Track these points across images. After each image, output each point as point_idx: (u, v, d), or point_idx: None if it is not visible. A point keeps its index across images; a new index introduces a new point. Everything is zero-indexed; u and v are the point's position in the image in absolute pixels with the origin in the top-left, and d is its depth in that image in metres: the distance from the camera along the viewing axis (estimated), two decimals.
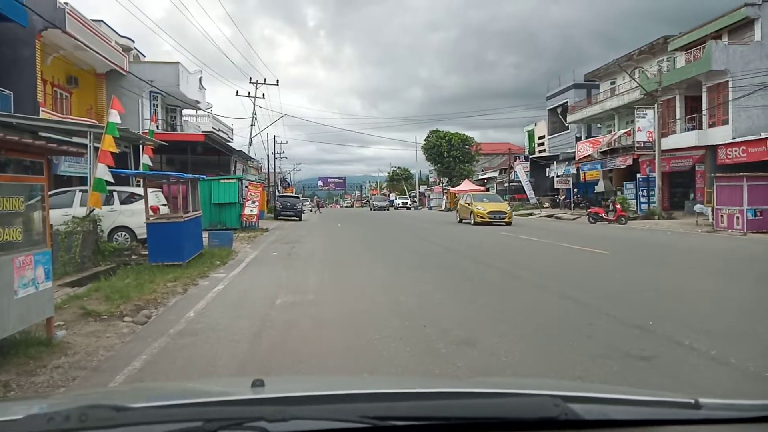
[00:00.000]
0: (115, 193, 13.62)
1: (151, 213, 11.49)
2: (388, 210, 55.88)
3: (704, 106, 27.69)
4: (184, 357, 4.87)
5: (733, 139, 25.64)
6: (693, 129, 28.28)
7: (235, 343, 5.20)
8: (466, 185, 55.22)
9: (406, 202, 70.86)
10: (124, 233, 13.59)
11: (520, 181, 47.58)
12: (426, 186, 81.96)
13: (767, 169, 21.73)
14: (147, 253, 10.77)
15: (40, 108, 18.93)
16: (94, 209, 10.81)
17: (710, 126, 27.43)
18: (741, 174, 20.15)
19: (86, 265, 10.14)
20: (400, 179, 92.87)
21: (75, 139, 12.85)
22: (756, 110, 25.33)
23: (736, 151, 25.46)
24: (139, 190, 13.29)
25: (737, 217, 19.30)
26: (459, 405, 1.38)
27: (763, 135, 24.17)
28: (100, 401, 1.37)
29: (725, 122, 26.37)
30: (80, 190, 13.62)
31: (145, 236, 11.27)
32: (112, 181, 11.12)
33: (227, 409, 1.35)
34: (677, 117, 29.82)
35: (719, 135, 26.51)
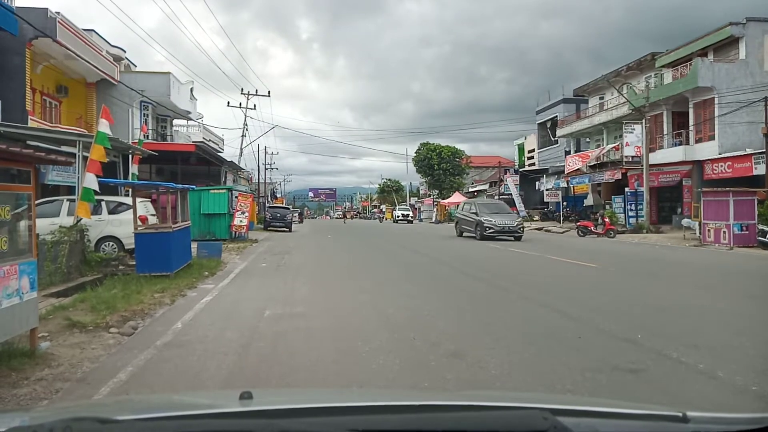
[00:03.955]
0: (103, 203, 13.52)
1: (139, 223, 11.41)
2: (518, 238, 22.38)
3: (691, 121, 28.10)
4: (170, 369, 4.81)
5: (720, 154, 26.01)
6: (680, 144, 28.66)
7: (223, 355, 5.15)
8: (456, 198, 55.50)
9: (407, 214, 57.29)
10: (111, 243, 13.47)
11: (510, 194, 47.81)
12: (416, 198, 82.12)
13: (752, 184, 22.07)
14: (135, 263, 10.67)
15: (29, 117, 18.81)
16: (81, 219, 10.72)
17: (697, 141, 27.81)
18: (727, 189, 20.41)
19: (72, 275, 10.02)
20: (390, 191, 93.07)
21: (64, 148, 12.76)
22: (741, 127, 25.72)
23: (722, 166, 25.81)
24: (128, 200, 13.19)
25: (724, 232, 19.51)
26: (448, 418, 1.38)
27: (749, 151, 24.55)
28: (84, 414, 1.35)
29: (711, 138, 26.76)
30: (68, 200, 13.52)
31: (133, 246, 11.17)
32: (98, 190, 11.04)
33: (215, 422, 1.34)
34: (665, 132, 30.21)
35: (706, 150, 26.89)
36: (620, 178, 30.79)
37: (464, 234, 24.81)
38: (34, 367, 4.77)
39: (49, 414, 1.56)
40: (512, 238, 22.16)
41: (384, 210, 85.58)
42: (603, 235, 25.21)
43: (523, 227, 23.29)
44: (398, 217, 56.35)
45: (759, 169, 23.30)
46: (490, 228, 22.09)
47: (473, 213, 23.76)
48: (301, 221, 59.28)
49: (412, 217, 57.71)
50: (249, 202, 24.25)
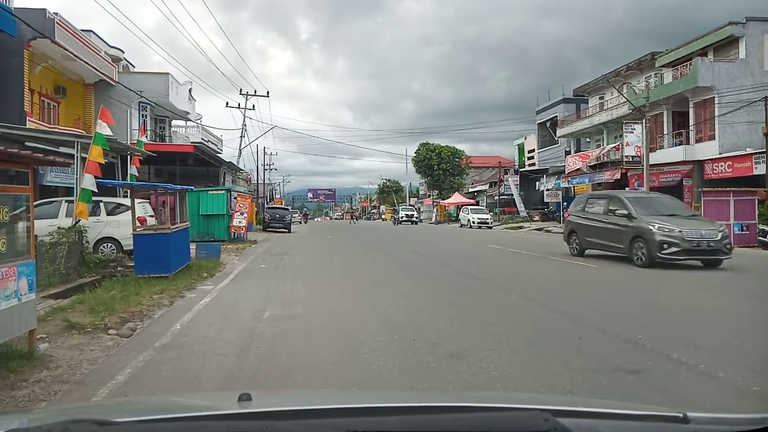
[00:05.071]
0: (101, 204, 13.51)
1: (138, 224, 11.39)
2: (717, 263, 12.52)
3: (691, 121, 28.09)
4: (169, 370, 4.79)
5: (720, 154, 26.01)
6: (680, 144, 28.67)
7: (222, 357, 5.13)
8: (456, 198, 55.54)
9: (412, 215, 54.59)
10: (110, 244, 13.46)
11: (510, 195, 47.90)
12: (416, 198, 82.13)
13: (752, 184, 22.07)
14: (133, 264, 10.65)
15: (27, 118, 18.82)
16: (79, 220, 10.70)
17: (697, 141, 27.81)
18: (728, 189, 20.41)
19: (71, 276, 10.01)
20: (390, 192, 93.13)
21: (62, 149, 12.77)
22: (741, 126, 25.72)
23: (722, 166, 25.82)
24: (126, 201, 13.18)
25: None
26: (448, 419, 1.37)
27: (749, 151, 24.55)
28: (82, 416, 1.35)
29: (712, 138, 26.76)
30: (66, 201, 13.51)
31: (132, 247, 11.16)
32: (96, 191, 11.03)
33: (213, 423, 1.33)
34: (665, 132, 30.21)
35: (706, 150, 26.89)
36: (620, 178, 30.80)
37: (588, 251, 15.02)
38: (33, 369, 4.75)
39: (48, 416, 1.56)
40: (701, 263, 12.59)
41: (383, 210, 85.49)
42: None
43: (730, 244, 13.07)
44: (402, 217, 52.78)
45: (759, 169, 23.30)
46: (670, 244, 12.11)
47: (623, 215, 13.39)
48: (305, 221, 59.70)
49: (416, 217, 54.88)
50: (248, 203, 24.24)
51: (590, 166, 34.56)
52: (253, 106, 51.72)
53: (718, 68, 26.40)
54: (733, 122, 25.75)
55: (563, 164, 39.58)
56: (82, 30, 23.73)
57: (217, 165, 32.85)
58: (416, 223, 52.62)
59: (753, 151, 24.20)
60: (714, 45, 27.51)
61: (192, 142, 31.44)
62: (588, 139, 40.49)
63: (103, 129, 11.35)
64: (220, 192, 23.09)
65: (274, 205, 44.64)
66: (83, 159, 11.19)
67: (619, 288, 9.73)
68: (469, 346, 5.36)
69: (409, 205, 68.64)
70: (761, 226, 19.30)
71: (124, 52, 30.33)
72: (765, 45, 26.34)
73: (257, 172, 52.20)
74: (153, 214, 14.42)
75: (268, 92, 40.29)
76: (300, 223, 54.81)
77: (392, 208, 79.52)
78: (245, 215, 22.96)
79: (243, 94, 38.27)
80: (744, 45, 26.41)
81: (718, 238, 12.40)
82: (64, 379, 4.57)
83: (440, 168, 60.79)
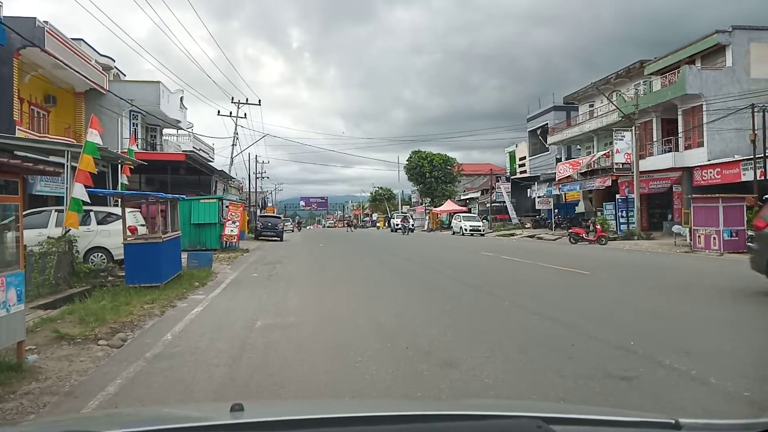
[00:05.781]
0: (92, 213, 13.41)
1: (128, 233, 11.32)
2: None
3: (680, 128, 28.35)
4: (160, 381, 4.75)
5: (708, 161, 26.26)
6: (670, 151, 28.90)
7: (214, 367, 5.09)
8: (448, 205, 55.63)
9: (408, 223, 48.25)
10: (100, 254, 13.36)
11: (501, 202, 47.98)
12: (408, 206, 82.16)
13: (741, 190, 22.26)
14: (124, 274, 10.56)
15: (17, 127, 18.69)
16: (69, 229, 10.62)
17: (686, 148, 28.07)
18: (717, 195, 20.57)
19: (61, 286, 9.91)
20: (382, 199, 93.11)
21: (52, 158, 12.69)
22: (729, 133, 25.99)
23: (711, 173, 26.06)
24: (117, 210, 13.10)
25: (714, 238, 19.63)
26: (442, 428, 1.38)
27: (737, 157, 24.80)
28: (72, 428, 1.34)
29: (700, 144, 27.02)
30: (56, 210, 13.41)
31: (123, 257, 11.07)
32: (88, 201, 10.94)
33: None
34: (654, 139, 30.47)
35: (695, 157, 27.13)
36: (611, 185, 30.98)
37: None
38: (21, 381, 4.69)
39: (36, 428, 1.55)
40: None
41: (377, 218, 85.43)
42: (594, 242, 25.31)
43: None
44: (397, 225, 48.19)
45: (747, 175, 23.53)
46: None
47: None
48: (299, 230, 59.95)
49: (413, 225, 51.07)
50: (240, 212, 24.17)
51: (581, 174, 34.75)
52: (245, 115, 51.81)
53: (705, 76, 26.71)
54: (721, 129, 26.01)
55: (554, 171, 39.78)
56: (72, 39, 23.66)
57: (209, 173, 32.75)
58: (412, 230, 51.86)
59: (741, 158, 24.44)
60: (701, 53, 27.84)
61: (183, 151, 31.31)
62: (578, 147, 40.75)
63: (94, 137, 11.30)
64: (211, 201, 23.00)
65: (266, 214, 44.51)
66: (73, 168, 11.11)
67: (610, 294, 9.75)
68: (462, 354, 5.36)
69: (402, 212, 68.11)
70: (750, 232, 19.43)
71: (114, 61, 30.25)
72: (751, 53, 26.67)
73: (249, 181, 52.08)
74: (144, 223, 14.34)
75: (260, 100, 40.34)
76: (293, 231, 54.85)
77: (384, 215, 79.53)
78: (237, 224, 22.87)
79: (235, 103, 38.21)
80: (731, 53, 26.74)
81: None
82: (53, 390, 4.52)
83: (432, 176, 60.91)
